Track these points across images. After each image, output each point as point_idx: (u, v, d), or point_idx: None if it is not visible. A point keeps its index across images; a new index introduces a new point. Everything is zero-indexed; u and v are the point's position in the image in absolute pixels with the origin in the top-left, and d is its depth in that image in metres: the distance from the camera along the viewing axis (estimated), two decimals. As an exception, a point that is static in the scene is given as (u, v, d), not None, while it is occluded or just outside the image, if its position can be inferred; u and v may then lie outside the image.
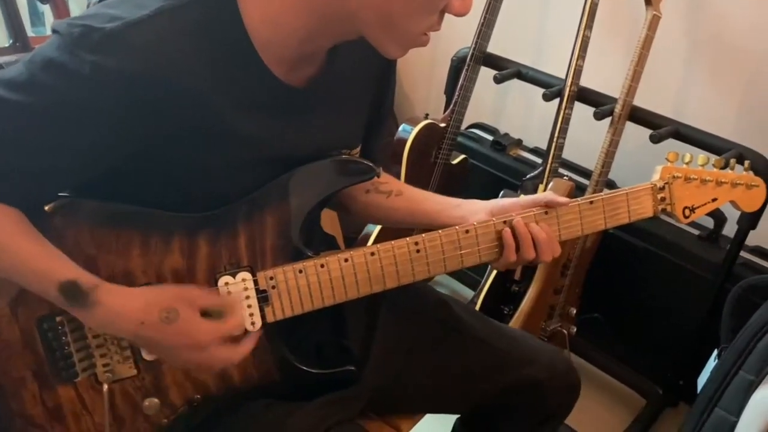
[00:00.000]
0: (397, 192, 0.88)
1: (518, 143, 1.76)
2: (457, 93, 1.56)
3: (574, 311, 1.54)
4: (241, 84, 0.65)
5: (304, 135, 0.72)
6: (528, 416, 0.93)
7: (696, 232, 1.50)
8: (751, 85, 1.41)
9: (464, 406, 0.93)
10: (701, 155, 0.91)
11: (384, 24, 0.63)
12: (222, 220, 0.71)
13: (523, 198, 0.83)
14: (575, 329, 1.57)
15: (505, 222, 0.79)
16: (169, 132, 0.63)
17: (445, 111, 1.62)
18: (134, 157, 0.65)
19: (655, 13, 1.31)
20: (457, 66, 1.60)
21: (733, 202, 0.93)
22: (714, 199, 0.92)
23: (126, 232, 0.69)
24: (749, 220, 1.32)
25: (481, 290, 1.46)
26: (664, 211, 0.88)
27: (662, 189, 0.87)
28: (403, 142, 1.52)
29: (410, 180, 1.56)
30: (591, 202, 0.84)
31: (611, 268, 1.55)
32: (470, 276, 1.75)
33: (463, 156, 1.66)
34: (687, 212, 0.90)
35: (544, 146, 1.49)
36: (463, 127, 1.69)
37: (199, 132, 0.65)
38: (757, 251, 1.47)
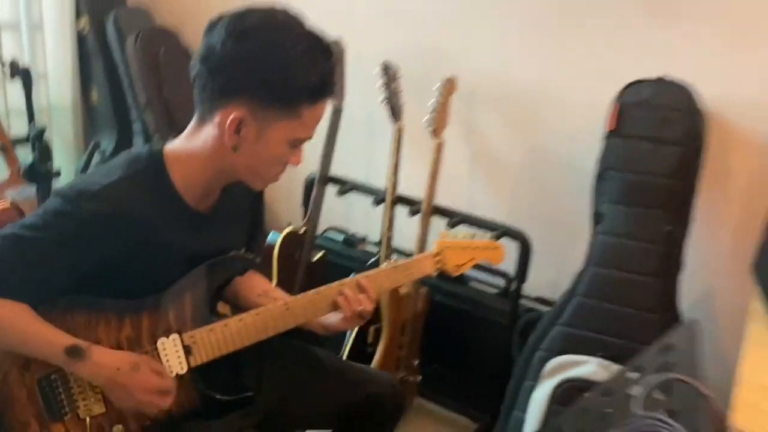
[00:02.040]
0: (264, 295, 1.31)
1: (364, 239, 2.27)
2: (310, 205, 2.06)
3: (417, 362, 2.02)
4: (170, 214, 1.09)
5: (209, 242, 1.16)
6: (374, 422, 1.37)
7: (495, 290, 2.05)
8: (514, 184, 2.03)
9: (332, 421, 1.35)
10: (464, 230, 1.45)
11: (251, 174, 1.11)
12: (157, 302, 1.12)
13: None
14: (420, 377, 2.04)
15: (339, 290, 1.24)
16: (128, 245, 1.05)
17: (303, 220, 2.10)
18: (104, 265, 1.05)
19: (439, 141, 1.90)
20: (308, 186, 2.11)
21: (485, 260, 1.46)
22: (472, 258, 1.45)
23: (93, 315, 1.08)
24: (520, 278, 1.88)
25: (343, 354, 1.90)
26: (440, 269, 1.39)
27: (438, 254, 1.38)
28: (272, 246, 1.97)
29: (280, 276, 2.00)
30: (395, 267, 1.33)
31: (441, 326, 2.03)
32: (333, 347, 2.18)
33: (322, 252, 2.13)
34: (456, 268, 1.42)
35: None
36: (320, 231, 2.18)
37: (145, 244, 1.07)
38: (539, 299, 2.03)
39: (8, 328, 1.01)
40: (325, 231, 2.29)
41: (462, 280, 2.07)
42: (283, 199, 2.38)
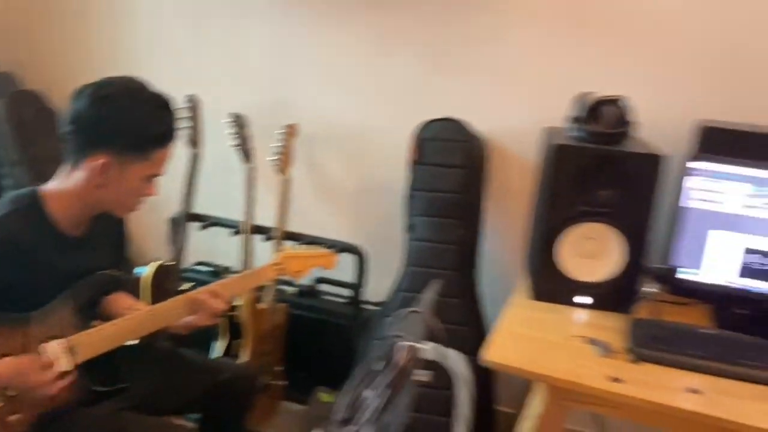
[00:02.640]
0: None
1: (228, 269, 2.57)
2: (176, 241, 2.35)
3: (281, 368, 2.33)
4: (49, 241, 1.37)
5: (82, 262, 1.44)
6: (232, 401, 1.68)
7: (343, 300, 2.42)
8: (351, 208, 2.43)
9: (197, 403, 1.64)
10: (304, 245, 1.81)
11: (115, 205, 1.43)
12: (43, 314, 1.38)
13: None
14: (287, 382, 2.35)
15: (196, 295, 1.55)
16: (16, 267, 1.32)
17: (171, 255, 2.38)
18: None
19: (286, 177, 2.27)
20: (173, 224, 2.40)
21: (321, 266, 1.83)
22: (310, 265, 1.81)
23: (-12, 328, 1.33)
24: (359, 285, 2.27)
25: (214, 364, 2.19)
26: (281, 275, 1.74)
27: (279, 263, 1.73)
28: (143, 278, 2.23)
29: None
30: (243, 275, 1.66)
31: (302, 336, 2.37)
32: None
33: (192, 284, 2.40)
34: (296, 273, 1.78)
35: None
36: (189, 265, 2.46)
37: (31, 266, 1.34)
38: (380, 304, 2.42)
39: None
40: (193, 265, 2.58)
41: (315, 294, 2.43)
42: (151, 238, 2.64)
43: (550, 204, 1.68)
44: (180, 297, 1.52)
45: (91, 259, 1.48)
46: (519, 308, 1.68)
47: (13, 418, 1.34)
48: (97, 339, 1.42)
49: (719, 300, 1.70)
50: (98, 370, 1.46)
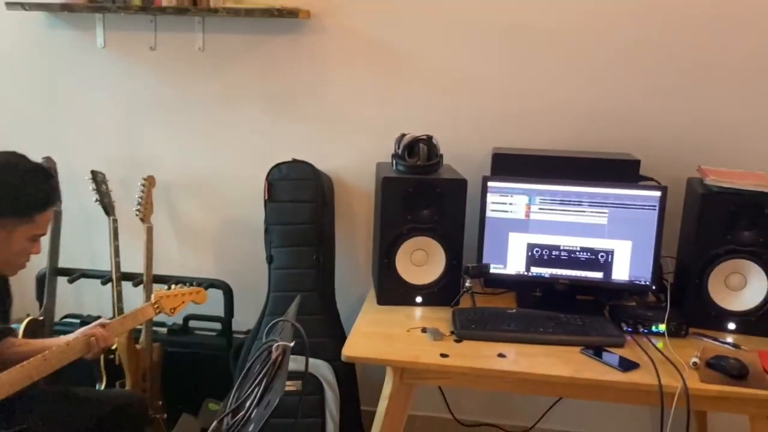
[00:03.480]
0: (25, 344, 1.75)
1: (99, 317, 2.68)
2: (45, 296, 2.45)
3: (160, 402, 2.50)
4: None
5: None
6: (128, 424, 1.86)
7: (214, 333, 2.64)
8: (215, 247, 2.67)
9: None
10: (180, 285, 2.04)
11: (4, 265, 1.59)
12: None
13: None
14: (166, 415, 2.52)
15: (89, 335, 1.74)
16: None
17: (39, 311, 2.46)
18: None
19: (149, 225, 2.46)
20: (40, 280, 2.49)
21: (193, 301, 2.07)
22: (183, 302, 2.04)
23: None
24: (228, 317, 2.51)
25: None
26: (159, 312, 1.95)
27: (156, 303, 1.95)
28: (17, 332, 2.32)
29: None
30: (125, 316, 1.86)
31: (179, 370, 2.55)
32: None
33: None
34: (172, 310, 2.00)
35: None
36: (57, 319, 2.56)
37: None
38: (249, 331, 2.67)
39: None
40: (62, 318, 2.67)
41: (188, 331, 2.63)
42: (18, 295, 2.69)
43: (385, 224, 2.05)
44: (72, 341, 1.70)
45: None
46: (368, 313, 2.03)
47: None
48: (10, 383, 1.57)
49: (519, 286, 2.17)
50: (1, 413, 1.60)
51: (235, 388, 1.40)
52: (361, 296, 2.47)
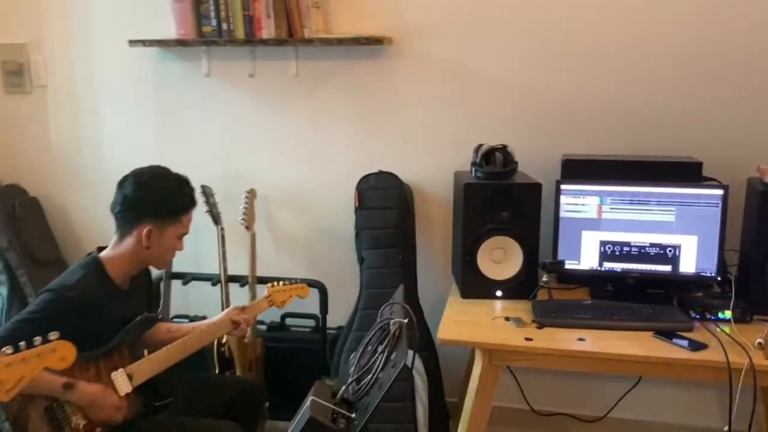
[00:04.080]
0: (176, 329, 2.06)
1: (205, 317, 3.00)
2: (162, 297, 2.77)
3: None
4: (109, 293, 1.82)
5: (130, 308, 1.89)
6: (249, 407, 2.14)
7: (309, 329, 2.91)
8: (309, 251, 2.95)
9: (223, 409, 2.09)
10: (281, 282, 2.32)
11: (157, 260, 1.90)
12: (107, 351, 1.81)
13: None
14: (267, 403, 2.79)
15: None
16: (87, 314, 1.75)
17: (158, 311, 2.78)
18: (75, 329, 1.73)
19: (252, 232, 2.77)
20: (157, 281, 2.82)
21: (299, 295, 2.34)
22: (290, 296, 2.32)
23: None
24: (323, 314, 2.78)
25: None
26: (271, 305, 2.24)
27: (269, 296, 2.23)
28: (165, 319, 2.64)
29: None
30: (249, 306, 2.15)
31: (278, 363, 2.83)
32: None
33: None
34: (282, 303, 2.28)
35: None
36: (170, 317, 2.88)
37: (97, 313, 1.78)
38: (341, 327, 2.93)
39: None
40: (172, 318, 2.99)
41: (285, 328, 2.91)
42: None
43: (467, 226, 2.29)
44: (221, 320, 2.00)
45: (134, 306, 1.93)
46: (454, 305, 2.27)
47: (98, 431, 1.76)
48: (148, 367, 1.87)
49: (592, 281, 2.36)
50: (150, 390, 1.90)
51: (356, 361, 1.65)
52: (441, 293, 2.71)
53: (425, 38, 2.63)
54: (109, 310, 1.82)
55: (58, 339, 1.29)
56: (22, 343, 1.26)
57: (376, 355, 1.54)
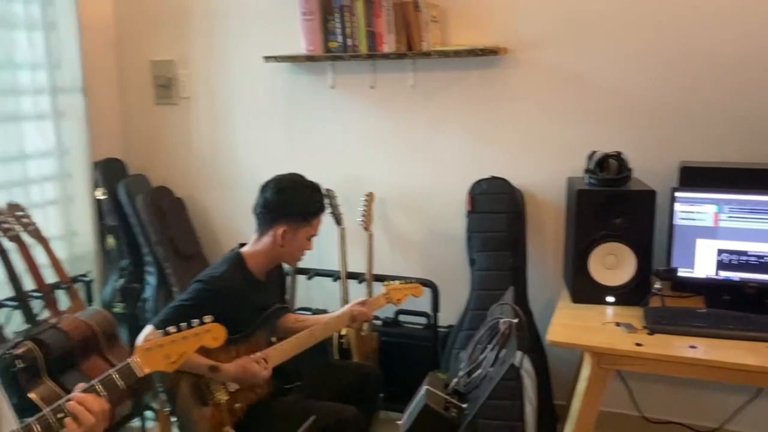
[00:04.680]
0: (303, 320, 2.28)
1: (326, 310, 3.23)
2: (288, 290, 3.02)
3: (378, 383, 2.96)
4: (250, 285, 2.06)
5: (266, 298, 2.13)
6: (366, 392, 2.32)
7: (421, 326, 3.06)
8: (422, 252, 3.10)
9: (344, 393, 2.27)
10: (397, 281, 2.49)
11: (290, 258, 2.13)
12: (246, 336, 2.05)
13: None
14: (382, 394, 2.97)
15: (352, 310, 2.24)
16: (232, 303, 1.99)
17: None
18: (219, 315, 1.98)
19: (369, 233, 2.96)
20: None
21: (413, 294, 2.50)
22: (405, 294, 2.47)
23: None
24: (434, 312, 2.92)
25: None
26: (389, 302, 2.40)
27: (386, 294, 2.40)
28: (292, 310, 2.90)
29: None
30: (368, 300, 2.33)
31: (392, 356, 3.00)
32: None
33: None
34: (398, 300, 2.44)
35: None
36: (294, 309, 3.13)
37: (241, 301, 2.02)
38: (450, 326, 3.06)
39: None
40: (295, 311, 3.24)
41: (399, 324, 3.08)
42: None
43: (579, 231, 2.34)
44: (343, 313, 2.20)
45: (270, 297, 2.16)
46: (564, 308, 2.33)
47: (237, 406, 2.00)
48: (279, 352, 2.09)
49: (708, 289, 2.34)
50: (281, 374, 2.12)
51: (467, 356, 1.78)
52: (551, 297, 2.77)
53: (539, 47, 2.70)
54: (248, 299, 2.06)
55: (212, 322, 1.50)
56: (183, 324, 1.48)
57: (486, 352, 1.66)
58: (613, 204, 2.31)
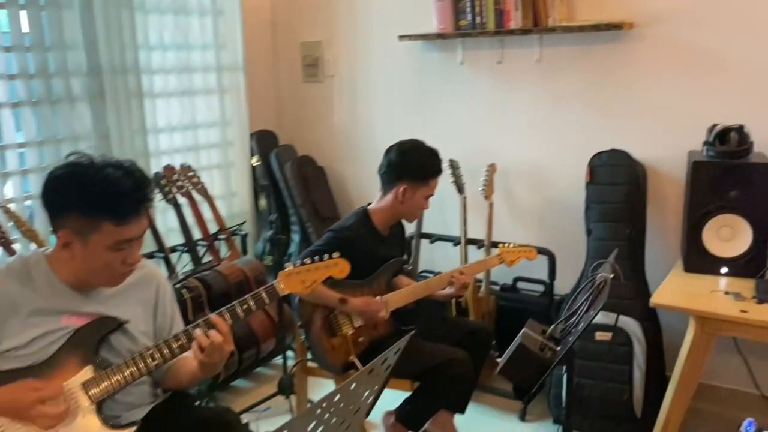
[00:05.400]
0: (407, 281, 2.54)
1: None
2: (413, 252, 3.29)
3: (494, 342, 3.15)
4: (373, 237, 2.35)
5: (387, 251, 2.41)
6: (474, 349, 2.52)
7: (537, 293, 3.20)
8: (540, 221, 3.24)
9: (455, 341, 2.50)
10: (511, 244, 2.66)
11: (409, 215, 2.42)
12: (370, 281, 2.34)
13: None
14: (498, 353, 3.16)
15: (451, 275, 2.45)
16: (357, 252, 2.28)
17: (409, 263, 3.31)
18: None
19: (490, 202, 3.14)
20: (409, 240, 3.35)
21: (526, 257, 2.65)
22: (519, 257, 2.63)
23: (346, 287, 2.31)
24: (551, 279, 3.05)
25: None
26: (501, 263, 2.58)
27: (500, 255, 2.58)
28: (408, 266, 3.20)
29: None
30: (477, 262, 2.54)
31: (508, 321, 3.17)
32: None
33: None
34: (511, 262, 2.61)
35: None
36: (418, 272, 3.40)
37: (364, 251, 2.31)
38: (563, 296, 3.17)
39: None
40: (420, 273, 3.50)
41: (516, 290, 3.24)
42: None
43: (694, 202, 2.38)
44: (443, 275, 2.42)
45: (390, 250, 2.44)
46: (676, 277, 2.39)
47: (360, 339, 2.30)
48: (398, 297, 2.36)
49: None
50: (399, 317, 2.39)
51: (568, 305, 1.93)
52: (669, 269, 2.79)
53: (664, 21, 2.72)
54: (371, 248, 2.35)
55: (339, 257, 1.80)
56: (316, 257, 1.79)
57: (581, 303, 1.81)
58: (730, 176, 2.32)
